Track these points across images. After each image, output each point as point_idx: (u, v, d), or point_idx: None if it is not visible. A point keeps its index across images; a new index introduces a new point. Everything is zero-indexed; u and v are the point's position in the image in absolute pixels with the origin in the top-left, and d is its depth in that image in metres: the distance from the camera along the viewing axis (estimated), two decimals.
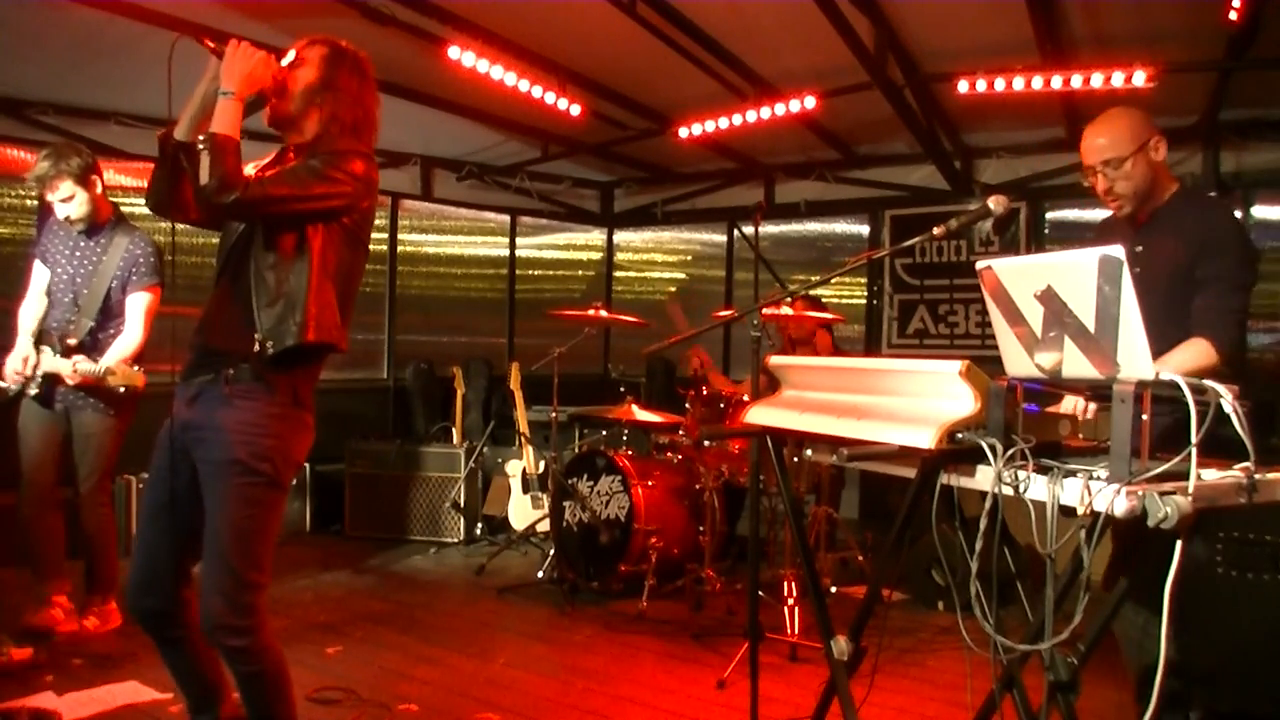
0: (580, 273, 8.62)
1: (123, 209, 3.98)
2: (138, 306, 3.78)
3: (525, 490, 5.67)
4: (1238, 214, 2.67)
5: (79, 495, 3.81)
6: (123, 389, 3.62)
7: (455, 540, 5.80)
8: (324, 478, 6.12)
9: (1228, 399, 1.53)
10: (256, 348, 2.24)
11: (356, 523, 5.93)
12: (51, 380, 3.70)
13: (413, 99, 5.69)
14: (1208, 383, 1.55)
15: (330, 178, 2.29)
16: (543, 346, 5.42)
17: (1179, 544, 1.53)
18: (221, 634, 2.21)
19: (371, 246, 2.51)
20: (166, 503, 2.27)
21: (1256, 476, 1.56)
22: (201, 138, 2.22)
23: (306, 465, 6.04)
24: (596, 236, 8.61)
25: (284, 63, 2.40)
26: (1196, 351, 2.35)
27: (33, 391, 3.70)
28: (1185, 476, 1.50)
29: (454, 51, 4.72)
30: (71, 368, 3.61)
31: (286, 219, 2.28)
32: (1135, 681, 2.56)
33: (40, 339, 3.76)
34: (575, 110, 5.45)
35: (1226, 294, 2.40)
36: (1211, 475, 1.56)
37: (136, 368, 3.66)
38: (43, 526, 3.78)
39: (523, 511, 5.62)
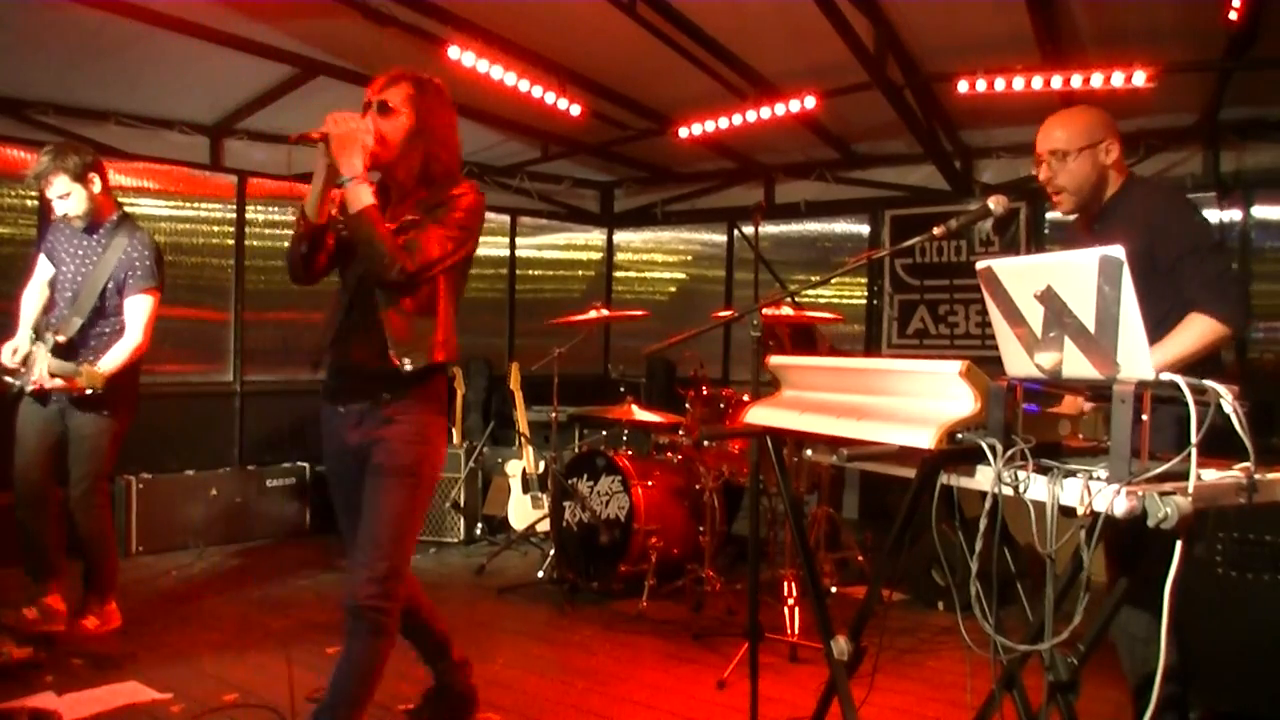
0: (580, 273, 8.62)
1: (123, 208, 3.97)
2: (137, 310, 3.76)
3: (525, 490, 5.67)
4: (1186, 196, 2.69)
5: (71, 497, 3.79)
6: (89, 391, 3.59)
7: (455, 540, 5.80)
8: (324, 478, 6.10)
9: (1228, 399, 1.53)
10: (396, 366, 2.48)
11: None
12: None
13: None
14: (1208, 383, 1.55)
15: (464, 227, 2.53)
16: (543, 346, 5.42)
17: (1179, 544, 1.53)
18: (363, 611, 2.46)
19: None
20: (357, 508, 2.56)
21: (1256, 476, 1.56)
22: (340, 223, 2.51)
23: (306, 465, 6.05)
24: (596, 237, 8.61)
25: (372, 108, 2.53)
26: (1198, 329, 2.34)
27: (30, 388, 3.68)
28: (1185, 477, 1.50)
29: (454, 51, 4.73)
30: (48, 370, 3.58)
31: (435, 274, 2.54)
32: (1132, 686, 2.55)
33: (40, 333, 3.75)
34: (575, 110, 5.45)
35: (1205, 260, 2.39)
36: (1211, 475, 1.56)
37: (103, 367, 3.61)
38: (34, 527, 3.77)
39: (523, 511, 5.62)
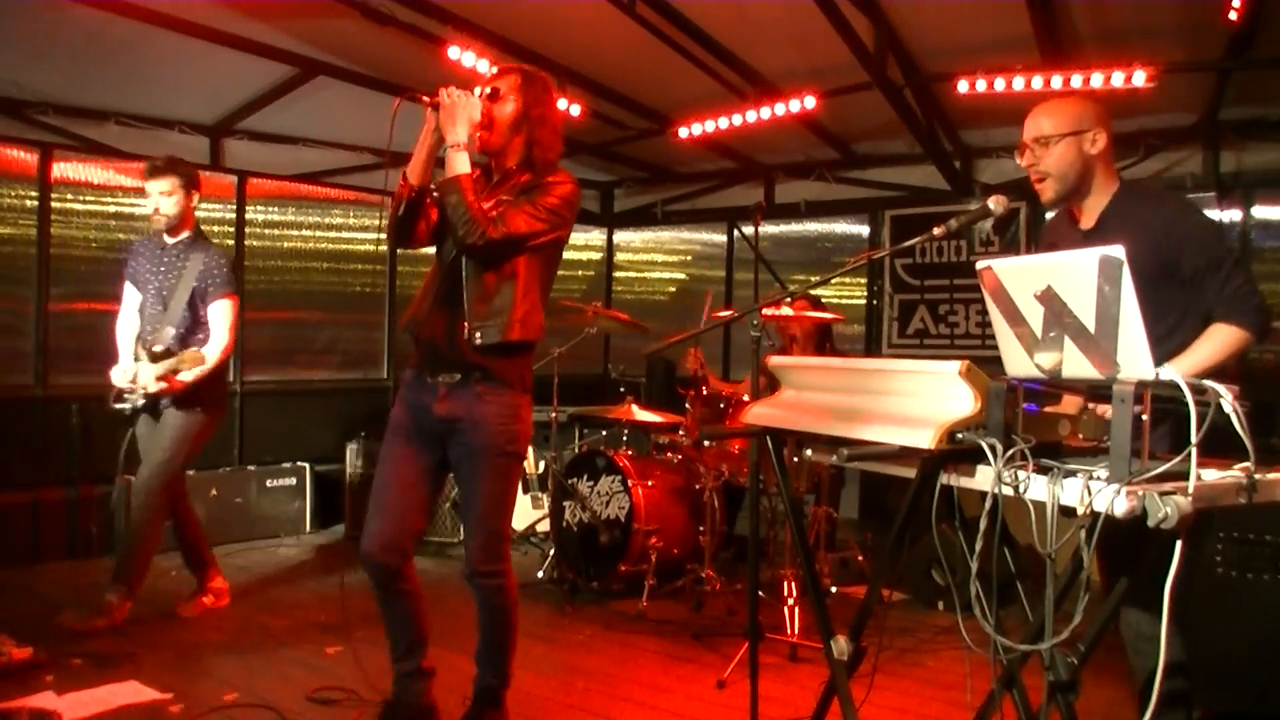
0: (580, 273, 8.61)
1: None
2: (220, 315, 3.96)
3: (525, 490, 5.67)
4: (1195, 203, 2.61)
5: (136, 482, 3.91)
6: (194, 374, 3.80)
7: (455, 540, 5.79)
8: (324, 478, 6.12)
9: (1228, 399, 1.53)
10: (466, 338, 2.61)
11: (357, 523, 5.92)
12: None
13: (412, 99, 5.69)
14: (1208, 383, 1.55)
15: (555, 212, 2.65)
16: (543, 346, 5.38)
17: (1179, 544, 1.54)
18: (482, 578, 2.73)
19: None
20: (414, 479, 2.75)
21: (1256, 476, 1.56)
22: (433, 186, 2.62)
23: (306, 465, 6.05)
24: (596, 236, 8.61)
25: (483, 93, 2.67)
26: (1222, 339, 2.32)
27: (140, 403, 3.87)
28: (1185, 477, 1.50)
29: (454, 51, 4.73)
30: (153, 376, 3.79)
31: (520, 251, 2.64)
32: (1139, 683, 2.55)
33: (138, 353, 3.94)
34: (575, 110, 5.45)
35: (1230, 274, 2.35)
36: (1211, 475, 1.56)
37: (203, 350, 3.85)
38: (184, 525, 4.15)
39: (523, 511, 5.62)
